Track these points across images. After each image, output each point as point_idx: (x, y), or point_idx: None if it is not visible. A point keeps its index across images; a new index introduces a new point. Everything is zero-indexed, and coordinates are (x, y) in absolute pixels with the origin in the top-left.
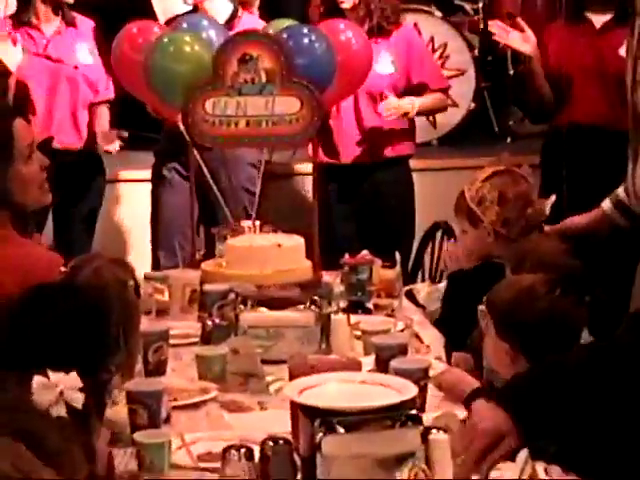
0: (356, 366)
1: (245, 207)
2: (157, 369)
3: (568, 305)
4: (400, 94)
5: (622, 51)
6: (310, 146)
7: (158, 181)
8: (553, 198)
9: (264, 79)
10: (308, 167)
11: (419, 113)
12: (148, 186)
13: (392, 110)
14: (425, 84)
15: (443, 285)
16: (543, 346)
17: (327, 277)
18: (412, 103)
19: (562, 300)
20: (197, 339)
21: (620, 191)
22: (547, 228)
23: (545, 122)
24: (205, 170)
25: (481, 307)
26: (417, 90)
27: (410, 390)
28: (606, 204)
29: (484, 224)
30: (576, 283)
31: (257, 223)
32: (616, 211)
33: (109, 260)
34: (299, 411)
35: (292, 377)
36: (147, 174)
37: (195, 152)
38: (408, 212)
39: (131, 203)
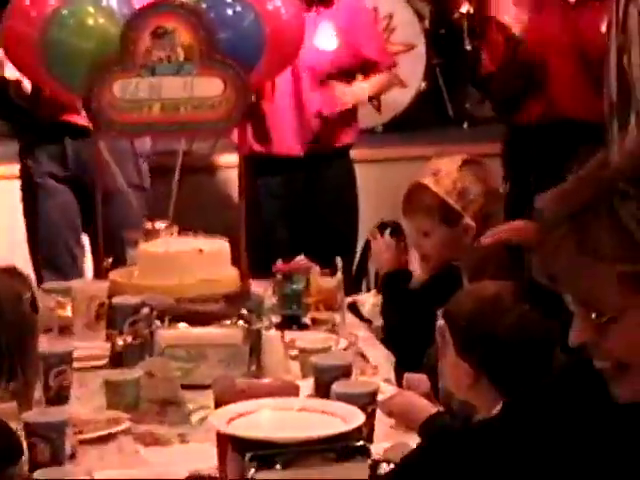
0: (293, 390)
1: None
2: (59, 397)
3: (539, 318)
4: (345, 74)
5: (603, 28)
6: (235, 134)
7: (30, 191)
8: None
9: (181, 57)
10: (234, 158)
11: (371, 97)
12: (12, 184)
13: (348, 99)
14: (375, 62)
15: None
16: (510, 367)
17: (257, 287)
18: (363, 89)
19: (532, 312)
20: (106, 361)
21: None
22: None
23: (513, 114)
24: (112, 163)
25: (439, 321)
26: (364, 69)
27: (356, 418)
28: None
29: (465, 220)
30: (547, 291)
31: (174, 226)
32: None
33: (1, 268)
34: (228, 443)
35: (218, 404)
36: (11, 169)
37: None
38: (350, 210)
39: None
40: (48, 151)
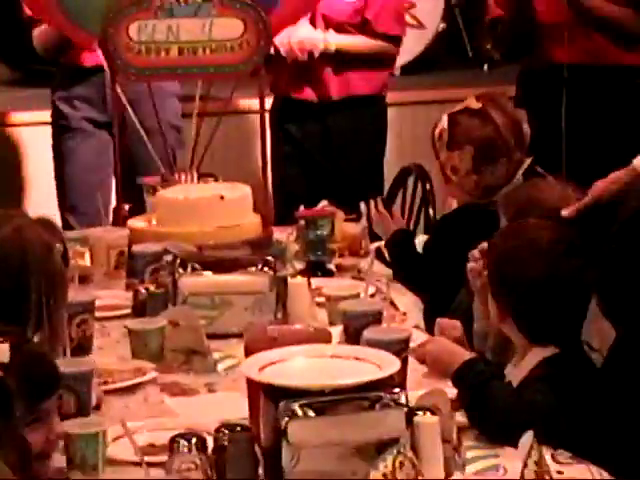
0: (326, 337)
1: (173, 150)
2: (81, 347)
3: (575, 267)
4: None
5: None
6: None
7: (64, 133)
8: (529, 160)
9: None
10: (252, 103)
11: (340, 56)
12: (47, 130)
13: (291, 46)
14: (369, 22)
15: (419, 240)
16: (536, 314)
17: (279, 234)
18: (324, 41)
19: (569, 260)
20: (128, 311)
21: None
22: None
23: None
24: (129, 109)
25: (470, 263)
26: (362, 28)
27: (391, 364)
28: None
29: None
30: (588, 241)
31: (194, 171)
32: None
33: (33, 219)
34: (260, 392)
35: (249, 352)
36: (45, 116)
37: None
38: (374, 156)
39: (28, 151)
40: (86, 95)
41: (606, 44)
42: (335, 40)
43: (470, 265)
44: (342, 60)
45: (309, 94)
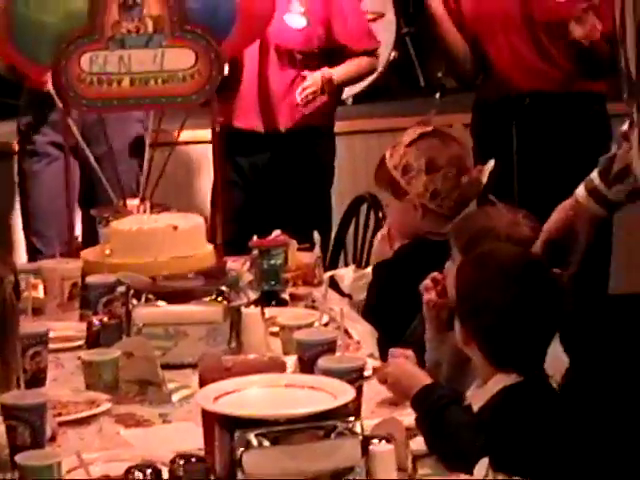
0: (280, 366)
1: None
2: (36, 378)
3: (544, 293)
4: (316, 54)
5: None
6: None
7: (30, 157)
8: (491, 164)
9: (151, 28)
10: (203, 134)
11: (342, 85)
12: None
13: (308, 92)
14: (344, 46)
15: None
16: (503, 338)
17: (233, 263)
18: (330, 76)
19: (538, 286)
20: (82, 342)
21: (594, 176)
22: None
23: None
24: (78, 136)
25: (426, 296)
26: (338, 52)
27: (346, 393)
28: (581, 193)
29: (409, 197)
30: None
31: (147, 202)
32: (592, 199)
33: None
34: (215, 422)
35: (203, 382)
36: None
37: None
38: (322, 186)
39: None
40: (52, 119)
41: (561, 73)
42: (336, 75)
43: (426, 297)
44: (340, 89)
45: (257, 125)
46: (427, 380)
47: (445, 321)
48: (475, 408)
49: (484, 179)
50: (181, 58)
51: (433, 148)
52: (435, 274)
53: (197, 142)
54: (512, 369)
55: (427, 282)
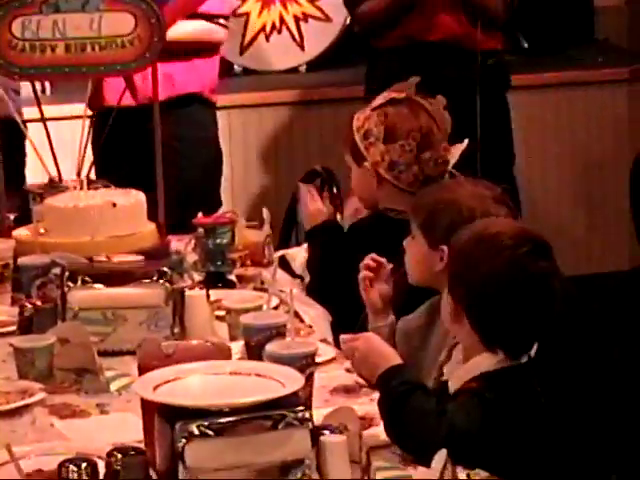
0: (225, 353)
1: None
2: None
3: (540, 271)
4: None
5: None
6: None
7: None
8: (464, 144)
9: None
10: None
11: None
12: None
13: None
14: None
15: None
16: (492, 312)
17: (177, 243)
18: None
19: (535, 261)
20: (13, 327)
21: None
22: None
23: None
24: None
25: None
26: None
27: (295, 381)
28: None
29: (366, 163)
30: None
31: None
32: None
33: None
34: (155, 412)
35: (143, 370)
36: None
37: None
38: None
39: None
40: None
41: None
42: None
43: (361, 275)
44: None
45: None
46: (396, 360)
47: (386, 304)
48: (452, 388)
49: (452, 159)
50: (120, 23)
51: (397, 116)
52: (373, 255)
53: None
54: (501, 348)
55: (367, 261)
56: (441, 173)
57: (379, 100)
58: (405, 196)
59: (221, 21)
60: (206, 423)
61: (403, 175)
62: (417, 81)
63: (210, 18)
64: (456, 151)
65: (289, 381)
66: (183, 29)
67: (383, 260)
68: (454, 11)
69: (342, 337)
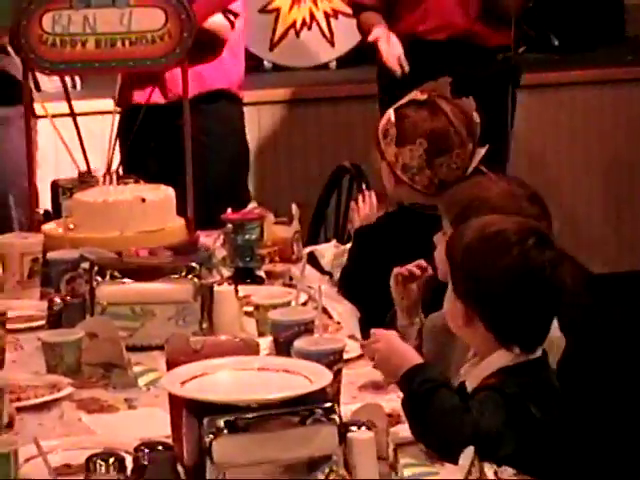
0: (253, 349)
1: None
2: None
3: (547, 261)
4: None
5: None
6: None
7: None
8: (483, 150)
9: None
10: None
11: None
12: None
13: None
14: None
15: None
16: (507, 311)
17: (205, 239)
18: None
19: (541, 252)
20: (42, 322)
21: None
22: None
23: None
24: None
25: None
26: None
27: (323, 377)
28: None
29: (385, 161)
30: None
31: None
32: None
33: None
34: (182, 408)
35: (170, 365)
36: None
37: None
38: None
39: None
40: None
41: None
42: None
43: (396, 271)
44: None
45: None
46: (418, 359)
47: (416, 302)
48: (469, 387)
49: (470, 166)
50: (150, 18)
51: (412, 119)
52: (421, 262)
53: None
54: (516, 345)
55: (411, 267)
56: (457, 178)
57: (403, 99)
58: (424, 196)
59: (230, 17)
60: (234, 419)
61: (417, 178)
62: (449, 81)
63: (224, 12)
64: (477, 156)
65: (317, 377)
66: None
67: (428, 267)
68: (462, 7)
69: (363, 340)
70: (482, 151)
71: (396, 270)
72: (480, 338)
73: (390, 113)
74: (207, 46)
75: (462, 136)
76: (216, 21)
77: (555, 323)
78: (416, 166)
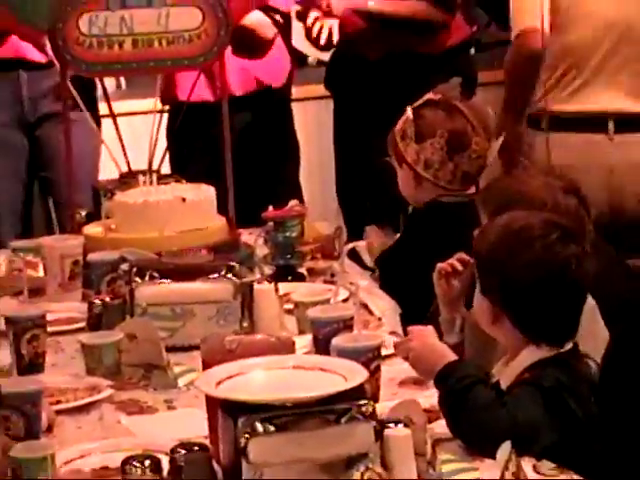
0: (288, 347)
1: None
2: (33, 364)
3: (573, 254)
4: None
5: None
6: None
7: None
8: (499, 142)
9: None
10: None
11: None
12: None
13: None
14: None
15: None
16: (533, 306)
17: (246, 236)
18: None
19: (566, 246)
20: (83, 324)
21: None
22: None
23: None
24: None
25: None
26: None
27: (358, 374)
28: None
29: (405, 164)
30: (580, 229)
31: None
32: None
33: None
34: (218, 408)
35: (206, 365)
36: None
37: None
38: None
39: None
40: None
41: None
42: None
43: (440, 267)
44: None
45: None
46: (452, 357)
47: (458, 296)
48: (503, 386)
49: (490, 155)
50: (187, 17)
51: (430, 117)
52: (462, 255)
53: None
54: (544, 341)
55: (453, 261)
56: (479, 168)
57: (418, 102)
58: (449, 192)
59: (276, 17)
60: (269, 418)
61: (440, 173)
62: (459, 82)
63: (267, 10)
64: (495, 146)
65: (352, 375)
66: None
67: (471, 261)
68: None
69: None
70: (499, 142)
71: (439, 265)
72: (508, 335)
73: (407, 115)
74: (249, 44)
75: (478, 130)
76: (259, 19)
77: (599, 316)
78: (438, 160)
